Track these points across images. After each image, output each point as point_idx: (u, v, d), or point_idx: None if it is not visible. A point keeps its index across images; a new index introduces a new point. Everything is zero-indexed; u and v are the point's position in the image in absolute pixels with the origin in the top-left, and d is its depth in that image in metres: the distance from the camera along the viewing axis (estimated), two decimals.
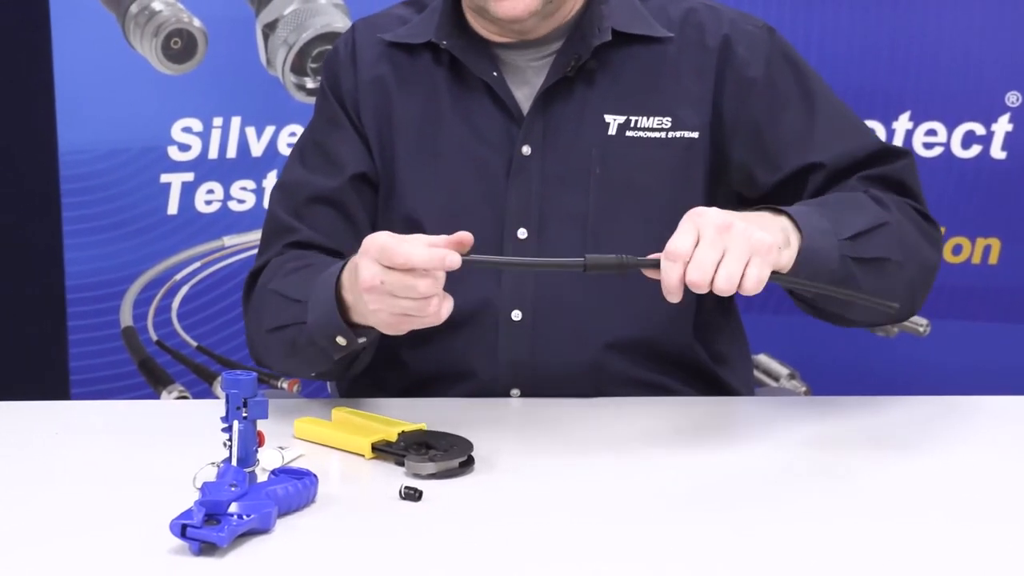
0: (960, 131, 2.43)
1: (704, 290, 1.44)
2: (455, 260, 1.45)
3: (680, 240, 1.45)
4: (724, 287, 1.44)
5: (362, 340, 1.61)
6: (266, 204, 2.35)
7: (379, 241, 1.48)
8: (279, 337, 1.70)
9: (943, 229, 2.14)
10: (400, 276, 1.47)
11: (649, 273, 1.48)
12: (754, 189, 1.77)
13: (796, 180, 1.75)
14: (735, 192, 1.80)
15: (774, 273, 1.48)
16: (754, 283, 1.45)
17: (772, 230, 1.51)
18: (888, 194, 1.72)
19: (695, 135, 1.77)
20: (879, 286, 1.63)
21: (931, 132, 2.44)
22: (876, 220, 1.65)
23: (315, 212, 1.80)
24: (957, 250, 2.47)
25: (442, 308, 1.50)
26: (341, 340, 1.61)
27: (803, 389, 2.52)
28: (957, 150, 2.44)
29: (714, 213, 1.46)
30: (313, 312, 1.62)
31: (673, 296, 1.46)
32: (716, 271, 1.44)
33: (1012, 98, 2.41)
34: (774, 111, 1.77)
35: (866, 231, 1.62)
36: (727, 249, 1.44)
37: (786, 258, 1.52)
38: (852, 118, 1.82)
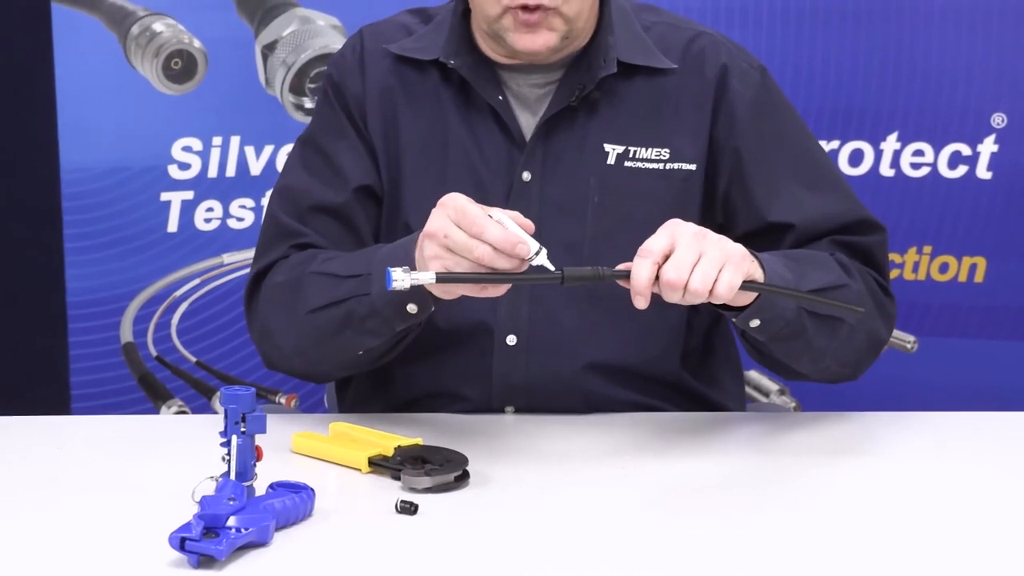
0: (947, 152, 2.45)
1: (679, 290, 1.46)
2: (525, 250, 1.47)
3: (653, 241, 1.49)
4: (699, 288, 1.46)
5: (431, 309, 1.61)
6: None
7: (460, 202, 1.51)
8: (326, 315, 1.67)
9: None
10: (465, 238, 1.49)
11: (624, 283, 1.49)
12: (734, 228, 1.76)
13: (768, 236, 1.75)
14: (721, 226, 1.78)
15: (746, 282, 1.51)
16: (727, 288, 1.47)
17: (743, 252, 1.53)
18: (854, 262, 1.73)
19: (692, 167, 1.76)
20: (828, 346, 1.67)
21: (918, 152, 2.46)
22: (837, 281, 1.67)
23: (319, 221, 1.77)
24: (944, 268, 2.48)
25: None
26: (412, 308, 1.60)
27: (793, 405, 2.53)
28: (944, 170, 2.45)
29: (690, 224, 1.51)
30: (381, 282, 1.58)
31: (640, 298, 1.47)
32: (691, 273, 1.47)
33: (998, 119, 2.43)
34: (755, 156, 1.77)
35: (826, 289, 1.64)
36: (703, 253, 1.48)
37: (758, 274, 1.54)
38: (832, 176, 1.81)
